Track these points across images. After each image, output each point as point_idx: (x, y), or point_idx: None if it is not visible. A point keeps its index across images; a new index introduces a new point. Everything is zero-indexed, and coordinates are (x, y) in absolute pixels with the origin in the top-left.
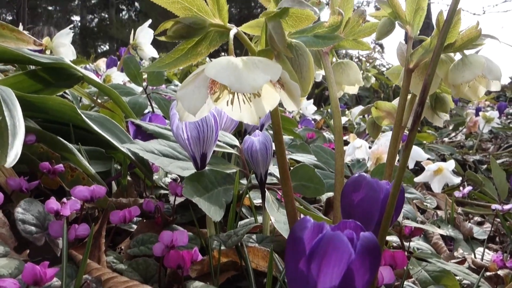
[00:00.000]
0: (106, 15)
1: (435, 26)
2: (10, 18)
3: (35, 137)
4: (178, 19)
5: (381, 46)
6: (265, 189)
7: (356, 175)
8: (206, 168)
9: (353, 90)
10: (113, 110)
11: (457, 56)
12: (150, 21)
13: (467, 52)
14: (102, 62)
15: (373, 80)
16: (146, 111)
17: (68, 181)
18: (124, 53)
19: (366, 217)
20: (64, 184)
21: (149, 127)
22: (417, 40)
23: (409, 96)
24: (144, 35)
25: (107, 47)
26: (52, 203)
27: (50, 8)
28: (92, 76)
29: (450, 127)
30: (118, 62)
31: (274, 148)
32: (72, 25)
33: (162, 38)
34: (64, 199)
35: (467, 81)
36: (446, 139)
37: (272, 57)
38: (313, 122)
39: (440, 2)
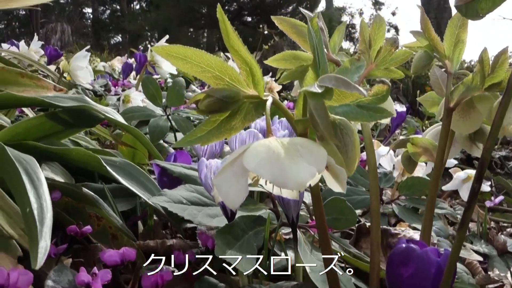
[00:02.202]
0: (118, 7)
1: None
2: (23, 13)
3: (60, 194)
4: (209, 92)
5: (396, 28)
6: (297, 230)
7: (403, 245)
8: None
9: (386, 120)
10: (134, 147)
11: None
12: (167, 37)
13: None
14: (116, 62)
15: None
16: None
17: (95, 231)
18: (141, 71)
19: None
20: (91, 237)
21: (175, 169)
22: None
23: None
24: None
25: (120, 38)
26: (83, 276)
27: (62, 1)
28: (115, 115)
29: None
30: (133, 61)
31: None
32: (82, 18)
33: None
34: (95, 269)
35: None
36: None
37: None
38: None
39: None
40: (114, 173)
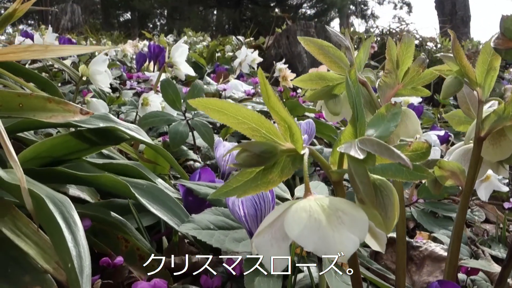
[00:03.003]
0: None
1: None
2: None
3: (90, 221)
4: (246, 146)
5: (409, 5)
6: None
7: None
8: None
9: (410, 139)
10: (157, 162)
11: None
12: (185, 38)
13: None
14: (128, 46)
15: None
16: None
17: (123, 253)
18: (160, 72)
19: None
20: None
21: (201, 190)
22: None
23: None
24: (179, 54)
25: (129, 16)
26: None
27: None
28: (140, 132)
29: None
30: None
31: None
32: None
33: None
34: None
35: None
36: None
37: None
38: None
39: None
40: (142, 200)
